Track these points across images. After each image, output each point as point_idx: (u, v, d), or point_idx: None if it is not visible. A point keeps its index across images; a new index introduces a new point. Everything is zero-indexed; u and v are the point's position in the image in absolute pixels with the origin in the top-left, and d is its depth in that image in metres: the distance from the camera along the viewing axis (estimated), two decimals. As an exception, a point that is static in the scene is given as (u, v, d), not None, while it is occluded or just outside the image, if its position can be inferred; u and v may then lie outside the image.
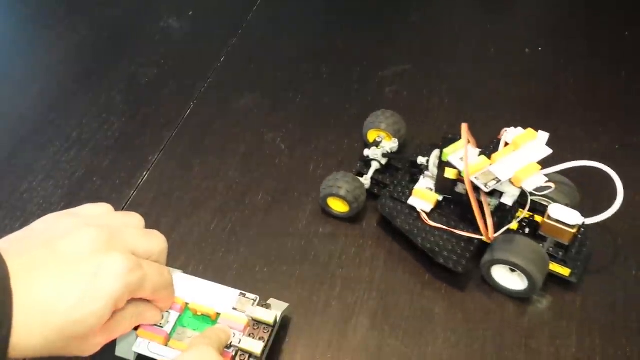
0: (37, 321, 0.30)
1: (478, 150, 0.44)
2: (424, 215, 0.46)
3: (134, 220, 0.37)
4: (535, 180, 0.41)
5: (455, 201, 0.46)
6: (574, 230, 0.43)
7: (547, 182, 0.41)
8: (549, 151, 0.42)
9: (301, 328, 0.44)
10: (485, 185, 0.40)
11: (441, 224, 0.45)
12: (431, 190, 0.47)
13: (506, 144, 0.44)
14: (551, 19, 0.72)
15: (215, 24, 0.73)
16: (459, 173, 0.43)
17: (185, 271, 0.44)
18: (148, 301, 0.37)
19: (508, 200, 0.43)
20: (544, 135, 0.43)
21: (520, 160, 0.42)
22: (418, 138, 0.56)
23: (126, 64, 0.67)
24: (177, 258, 0.48)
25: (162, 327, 0.38)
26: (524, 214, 0.45)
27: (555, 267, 0.44)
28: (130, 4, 0.76)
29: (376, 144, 0.52)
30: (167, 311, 0.39)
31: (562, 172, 0.46)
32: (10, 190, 0.54)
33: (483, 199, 0.42)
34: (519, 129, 0.44)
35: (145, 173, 0.56)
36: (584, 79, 0.63)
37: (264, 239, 0.50)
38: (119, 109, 0.62)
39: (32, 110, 0.62)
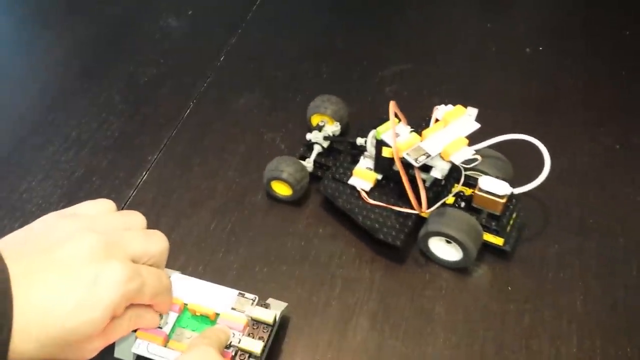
0: (35, 326, 0.30)
1: (409, 128, 0.45)
2: (363, 194, 0.47)
3: (135, 220, 0.37)
4: (463, 153, 0.42)
5: (393, 179, 0.47)
6: (503, 200, 0.44)
7: (474, 154, 0.42)
8: (476, 126, 0.44)
9: (301, 328, 0.43)
10: (416, 160, 0.42)
11: (380, 202, 0.47)
12: (371, 169, 0.48)
13: (437, 121, 0.45)
14: (551, 18, 0.72)
15: (215, 23, 0.73)
16: None
17: (185, 272, 0.43)
18: (146, 305, 0.37)
19: (437, 174, 0.44)
20: (472, 111, 0.45)
21: (449, 136, 0.43)
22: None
23: (125, 63, 0.67)
24: (176, 258, 0.48)
25: (161, 328, 0.38)
26: (458, 188, 0.46)
27: (489, 238, 0.46)
28: (129, 2, 0.76)
29: (319, 128, 0.52)
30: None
31: (500, 149, 0.47)
32: (9, 190, 0.54)
33: (417, 174, 0.44)
34: (449, 106, 0.45)
35: (144, 173, 0.55)
36: (584, 78, 0.63)
37: (264, 239, 0.49)
38: (118, 108, 0.62)
39: (31, 110, 0.62)
